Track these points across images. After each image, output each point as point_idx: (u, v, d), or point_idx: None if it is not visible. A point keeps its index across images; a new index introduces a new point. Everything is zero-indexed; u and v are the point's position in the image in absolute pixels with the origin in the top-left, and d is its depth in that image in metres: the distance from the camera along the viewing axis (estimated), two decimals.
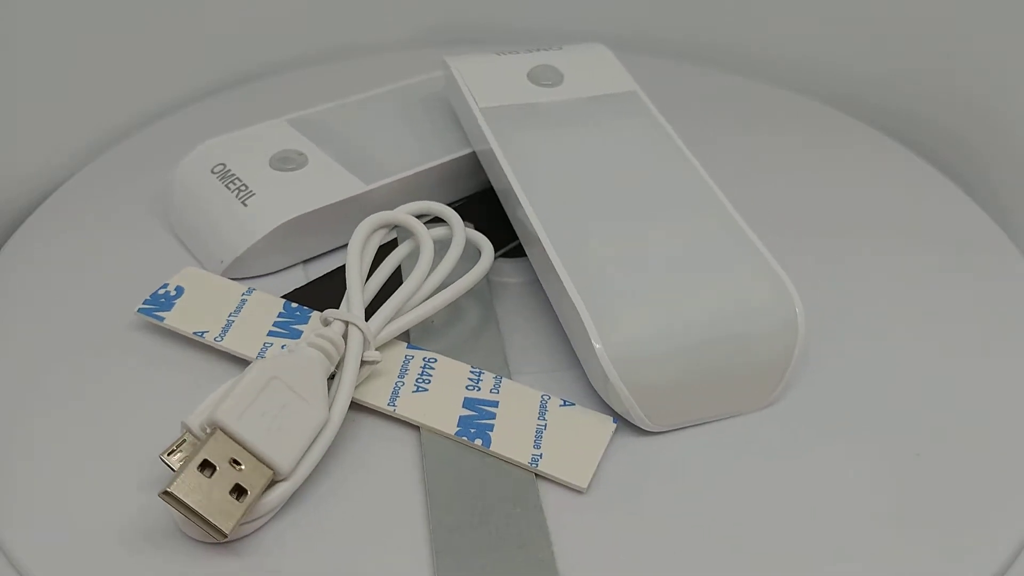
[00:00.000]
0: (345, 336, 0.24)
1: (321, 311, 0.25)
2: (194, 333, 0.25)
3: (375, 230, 0.26)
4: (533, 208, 0.26)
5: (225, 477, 0.20)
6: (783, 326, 0.24)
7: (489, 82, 0.30)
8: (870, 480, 0.23)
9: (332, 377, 0.23)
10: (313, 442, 0.22)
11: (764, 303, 0.24)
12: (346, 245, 0.27)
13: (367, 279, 0.26)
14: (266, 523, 0.21)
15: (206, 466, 0.20)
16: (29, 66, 0.32)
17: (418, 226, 0.26)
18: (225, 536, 0.20)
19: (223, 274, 0.28)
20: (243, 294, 0.26)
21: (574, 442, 0.23)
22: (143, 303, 0.26)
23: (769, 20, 0.39)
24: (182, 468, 0.20)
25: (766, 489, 0.23)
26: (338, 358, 0.23)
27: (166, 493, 0.19)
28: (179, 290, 0.26)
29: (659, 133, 0.29)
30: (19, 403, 0.24)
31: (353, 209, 0.29)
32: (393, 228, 0.27)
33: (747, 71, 0.39)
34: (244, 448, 0.20)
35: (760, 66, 0.39)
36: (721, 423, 0.24)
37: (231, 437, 0.20)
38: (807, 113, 0.37)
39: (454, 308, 0.27)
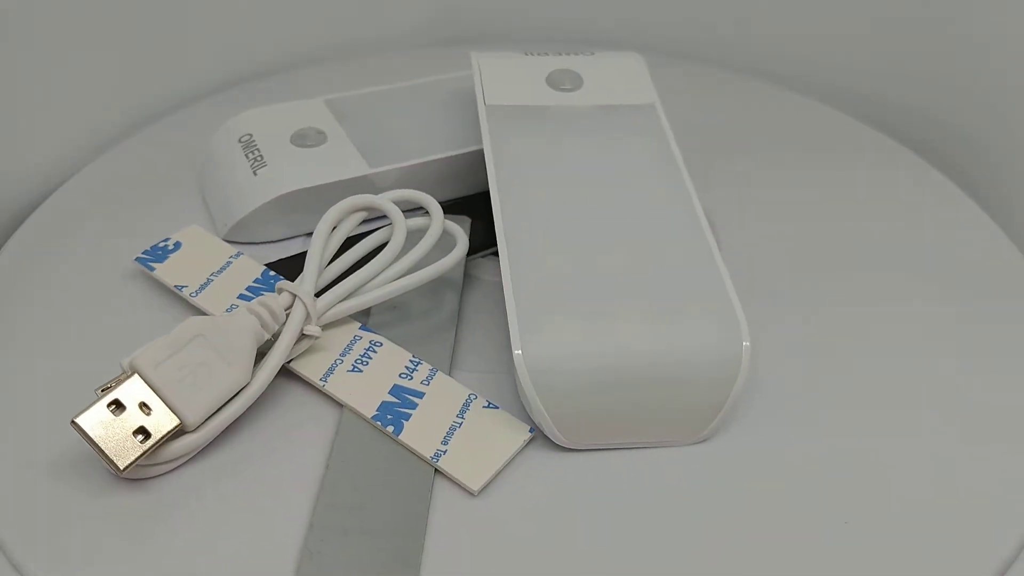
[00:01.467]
0: (291, 308, 0.25)
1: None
2: (175, 286, 0.27)
3: (352, 212, 0.27)
4: (502, 209, 0.26)
5: (131, 418, 0.22)
6: (723, 364, 0.23)
7: (505, 80, 0.30)
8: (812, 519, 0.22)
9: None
10: (228, 402, 0.23)
11: (707, 338, 0.23)
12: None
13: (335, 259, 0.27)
14: (175, 469, 0.23)
15: (119, 406, 0.22)
16: (29, 65, 0.32)
17: (395, 211, 0.27)
18: (120, 471, 0.21)
19: (225, 236, 0.30)
20: (231, 257, 0.28)
21: (482, 444, 0.23)
22: (142, 252, 0.28)
23: (769, 18, 0.38)
24: (93, 403, 0.22)
25: (669, 525, 0.22)
26: (276, 327, 0.24)
27: (73, 423, 0.21)
28: (177, 245, 0.28)
29: (661, 151, 0.28)
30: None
31: (356, 189, 0.30)
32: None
33: (746, 70, 0.38)
34: (156, 394, 0.22)
35: (759, 66, 0.38)
36: (647, 452, 0.24)
37: (146, 382, 0.22)
38: (806, 113, 0.36)
39: (423, 297, 0.28)
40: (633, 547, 0.22)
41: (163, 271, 0.28)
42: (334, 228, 0.27)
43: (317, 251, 0.26)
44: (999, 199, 0.33)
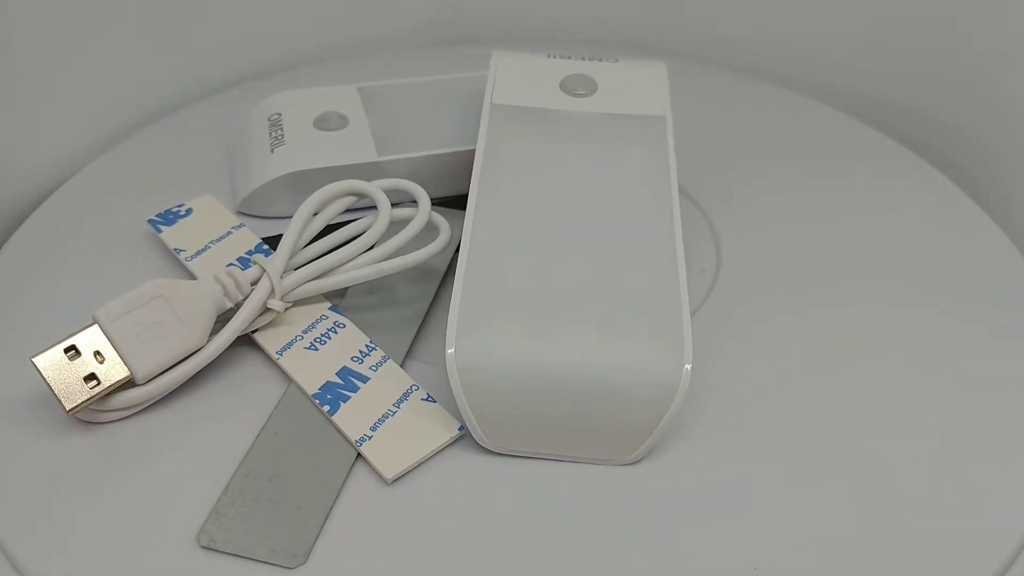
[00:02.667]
0: (259, 282, 0.26)
1: None
2: (174, 249, 0.29)
3: (341, 196, 0.28)
4: (476, 205, 0.26)
5: (84, 364, 0.23)
6: (659, 386, 0.22)
7: (518, 81, 0.30)
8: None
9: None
10: (181, 363, 0.24)
11: (647, 358, 0.23)
12: (359, 208, 0.29)
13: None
14: (124, 418, 0.24)
15: (77, 352, 0.24)
16: (29, 64, 0.32)
17: (381, 198, 0.27)
18: (66, 411, 0.23)
19: (239, 208, 0.31)
20: (232, 227, 0.29)
21: (408, 435, 0.23)
22: (155, 215, 0.30)
23: (769, 18, 0.38)
24: (51, 345, 0.23)
25: (574, 544, 0.22)
26: (239, 297, 0.25)
27: (32, 361, 0.23)
28: (188, 211, 0.30)
29: (656, 165, 0.27)
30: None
31: (363, 175, 0.30)
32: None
33: (747, 70, 0.38)
34: (111, 345, 0.24)
35: (759, 66, 0.38)
36: (574, 467, 0.23)
37: (104, 333, 0.24)
38: (806, 113, 0.36)
39: (406, 285, 0.28)
40: (528, 561, 0.21)
41: (169, 234, 0.29)
42: (321, 211, 0.28)
43: (295, 230, 0.27)
44: (999, 199, 0.33)
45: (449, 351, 0.23)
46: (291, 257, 0.26)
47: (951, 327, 0.27)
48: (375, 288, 0.28)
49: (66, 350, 0.23)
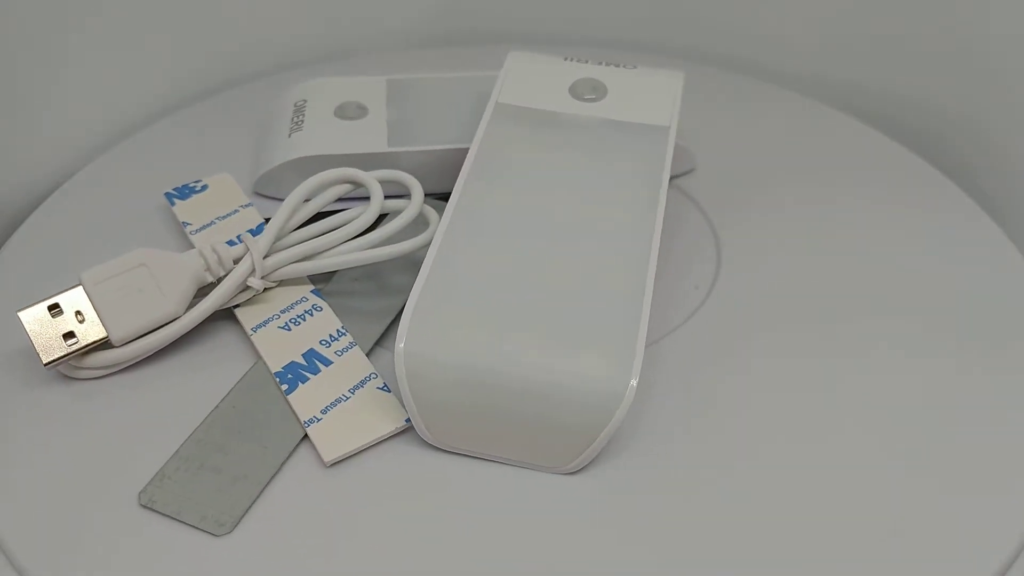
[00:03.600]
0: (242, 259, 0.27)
1: None
2: (182, 223, 0.30)
3: (336, 183, 0.28)
4: (457, 202, 0.26)
5: (65, 322, 0.25)
6: (603, 398, 0.22)
7: (527, 81, 0.30)
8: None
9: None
10: (157, 330, 0.25)
11: (594, 369, 0.22)
12: (363, 198, 0.30)
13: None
14: (100, 377, 0.25)
15: (60, 310, 0.25)
16: (29, 65, 0.32)
17: (375, 187, 0.28)
18: (43, 363, 0.24)
19: (255, 188, 0.32)
20: (240, 206, 0.30)
21: (355, 422, 0.24)
22: (172, 188, 0.31)
23: (768, 17, 0.37)
24: (36, 302, 0.25)
25: (499, 547, 0.22)
26: (221, 272, 0.26)
27: (17, 315, 0.25)
28: (204, 187, 0.31)
29: (649, 177, 0.27)
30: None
31: (371, 165, 0.31)
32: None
33: (746, 70, 0.37)
34: (92, 307, 0.25)
35: (759, 65, 0.38)
36: (514, 471, 0.23)
37: (87, 295, 0.25)
38: (807, 113, 0.36)
39: (398, 275, 0.28)
40: (447, 554, 0.21)
41: (181, 208, 0.30)
42: (315, 197, 0.28)
43: (284, 213, 0.27)
44: (999, 199, 0.33)
45: (399, 345, 0.23)
46: (277, 239, 0.27)
47: (950, 328, 0.27)
48: (364, 276, 0.29)
49: (50, 308, 0.25)
